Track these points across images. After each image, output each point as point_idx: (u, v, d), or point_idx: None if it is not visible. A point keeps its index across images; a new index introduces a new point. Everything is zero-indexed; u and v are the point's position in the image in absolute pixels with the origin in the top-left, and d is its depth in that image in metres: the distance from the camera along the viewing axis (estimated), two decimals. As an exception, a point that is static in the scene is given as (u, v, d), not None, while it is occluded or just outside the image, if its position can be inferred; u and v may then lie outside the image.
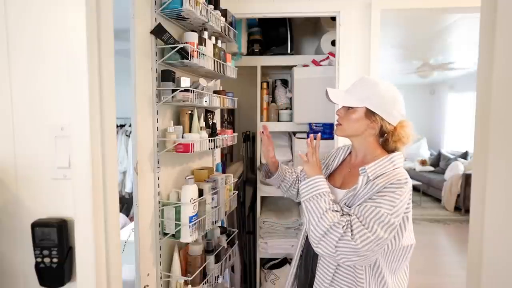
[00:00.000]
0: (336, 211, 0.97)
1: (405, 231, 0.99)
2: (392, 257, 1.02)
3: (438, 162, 6.14)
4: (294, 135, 2.15)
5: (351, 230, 0.91)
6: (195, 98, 1.21)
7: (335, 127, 1.14)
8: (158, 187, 1.21)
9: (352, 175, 1.10)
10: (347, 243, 0.90)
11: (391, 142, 1.05)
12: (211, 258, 1.39)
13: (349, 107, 1.07)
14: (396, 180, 0.95)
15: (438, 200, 5.49)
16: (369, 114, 1.04)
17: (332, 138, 1.98)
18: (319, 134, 1.14)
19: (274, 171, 1.31)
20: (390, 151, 1.06)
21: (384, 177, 0.97)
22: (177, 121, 1.31)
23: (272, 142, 1.31)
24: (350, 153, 1.19)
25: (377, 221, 0.91)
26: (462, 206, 4.88)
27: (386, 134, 1.07)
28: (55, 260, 0.76)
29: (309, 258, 1.14)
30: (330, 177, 1.18)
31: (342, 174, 1.15)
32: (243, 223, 2.37)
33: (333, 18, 1.89)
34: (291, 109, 2.22)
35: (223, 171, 1.79)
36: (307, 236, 1.15)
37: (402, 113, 1.06)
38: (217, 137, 1.40)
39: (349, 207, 1.00)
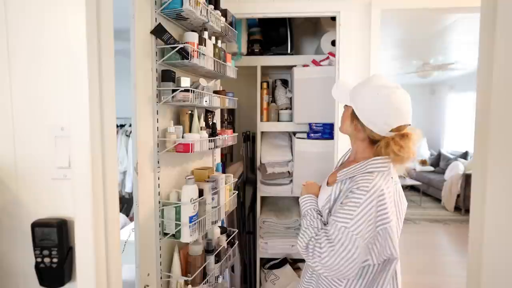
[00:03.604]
0: (317, 226, 0.96)
1: (386, 245, 0.91)
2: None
3: (438, 162, 6.14)
4: (294, 135, 2.15)
5: (320, 244, 0.90)
6: (195, 98, 1.21)
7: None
8: (158, 187, 1.21)
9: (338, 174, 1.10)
10: (318, 257, 0.89)
11: (384, 153, 0.93)
12: (211, 258, 1.39)
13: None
14: (357, 187, 0.89)
15: (438, 200, 5.49)
16: (353, 116, 0.99)
17: (332, 138, 1.98)
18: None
19: None
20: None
21: (350, 182, 0.93)
22: (177, 121, 1.31)
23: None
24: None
25: (341, 240, 0.87)
26: (462, 206, 4.88)
27: (378, 142, 0.95)
28: (55, 260, 0.76)
29: None
30: (331, 175, 1.19)
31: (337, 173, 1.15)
32: (243, 223, 2.36)
33: (333, 18, 1.89)
34: (291, 109, 2.22)
35: (223, 171, 1.79)
36: None
37: (391, 124, 0.92)
38: (217, 137, 1.40)
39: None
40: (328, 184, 1.13)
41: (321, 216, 1.01)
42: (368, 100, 0.94)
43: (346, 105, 1.05)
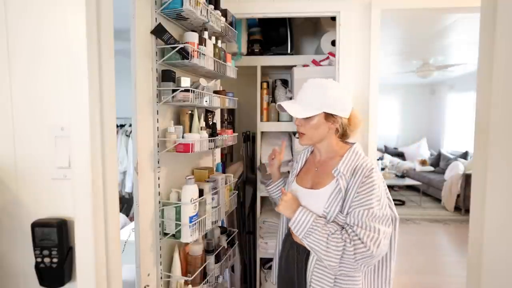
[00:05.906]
0: (335, 232, 1.00)
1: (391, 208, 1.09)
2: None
3: (438, 162, 6.13)
4: (294, 135, 2.15)
5: (360, 239, 0.96)
6: (196, 98, 1.21)
7: (296, 137, 1.15)
8: (159, 187, 1.21)
9: (320, 174, 1.13)
10: (363, 253, 0.96)
11: (349, 132, 1.14)
12: (211, 258, 1.39)
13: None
14: (367, 171, 1.02)
15: (438, 200, 5.49)
16: (328, 116, 1.09)
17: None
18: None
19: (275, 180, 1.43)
20: (345, 138, 1.17)
21: (357, 171, 1.04)
22: (177, 121, 1.31)
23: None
24: (312, 152, 1.25)
25: (374, 220, 0.97)
26: (462, 206, 4.88)
27: (344, 127, 1.13)
28: (55, 260, 0.76)
29: (291, 262, 1.17)
30: (298, 179, 1.22)
31: (309, 175, 1.19)
32: (243, 223, 2.36)
33: (333, 18, 1.89)
34: (291, 109, 2.21)
35: (223, 171, 1.79)
36: (285, 240, 1.22)
37: (350, 104, 1.12)
38: (217, 137, 1.40)
39: (342, 213, 1.02)
40: (314, 187, 1.13)
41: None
42: (336, 96, 1.09)
43: (307, 117, 1.11)
